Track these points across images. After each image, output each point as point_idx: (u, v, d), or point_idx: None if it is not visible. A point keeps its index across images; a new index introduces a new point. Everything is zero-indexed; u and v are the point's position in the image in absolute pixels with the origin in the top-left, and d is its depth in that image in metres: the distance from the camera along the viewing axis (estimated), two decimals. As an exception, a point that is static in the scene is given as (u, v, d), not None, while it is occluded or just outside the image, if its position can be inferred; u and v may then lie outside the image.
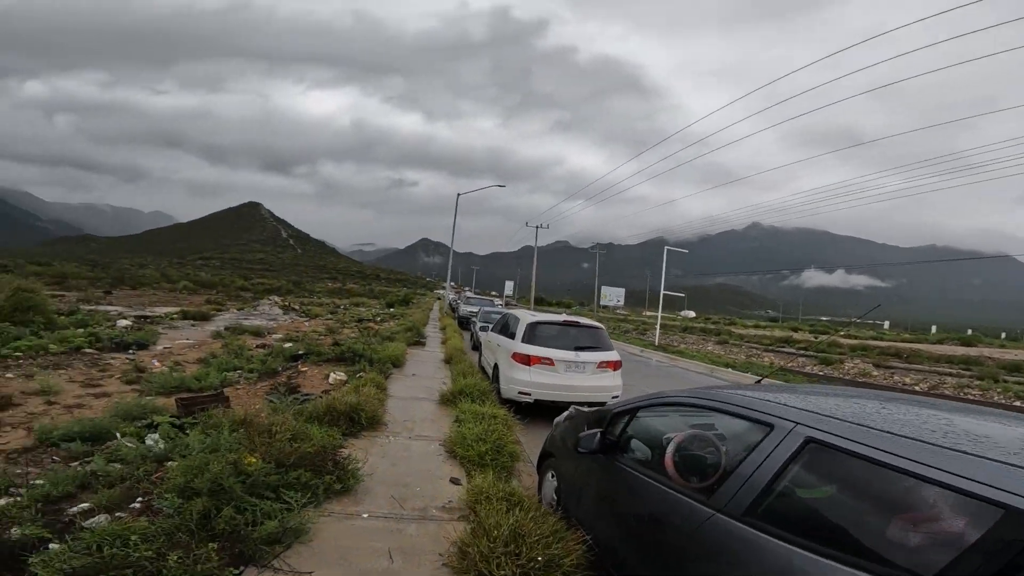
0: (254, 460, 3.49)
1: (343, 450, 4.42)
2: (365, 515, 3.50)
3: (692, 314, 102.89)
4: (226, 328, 14.66)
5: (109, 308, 20.90)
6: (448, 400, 7.05)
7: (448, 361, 10.78)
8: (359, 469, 4.00)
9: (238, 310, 23.88)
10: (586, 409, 4.02)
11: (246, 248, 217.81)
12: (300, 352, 9.60)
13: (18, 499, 3.28)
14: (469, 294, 51.77)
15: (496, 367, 8.22)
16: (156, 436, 4.90)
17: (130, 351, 10.53)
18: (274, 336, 14.27)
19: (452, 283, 35.24)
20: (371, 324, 20.48)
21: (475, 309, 22.19)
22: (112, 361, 9.56)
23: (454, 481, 4.37)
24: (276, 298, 26.38)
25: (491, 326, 10.75)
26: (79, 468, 4.01)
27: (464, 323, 23.49)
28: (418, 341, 14.29)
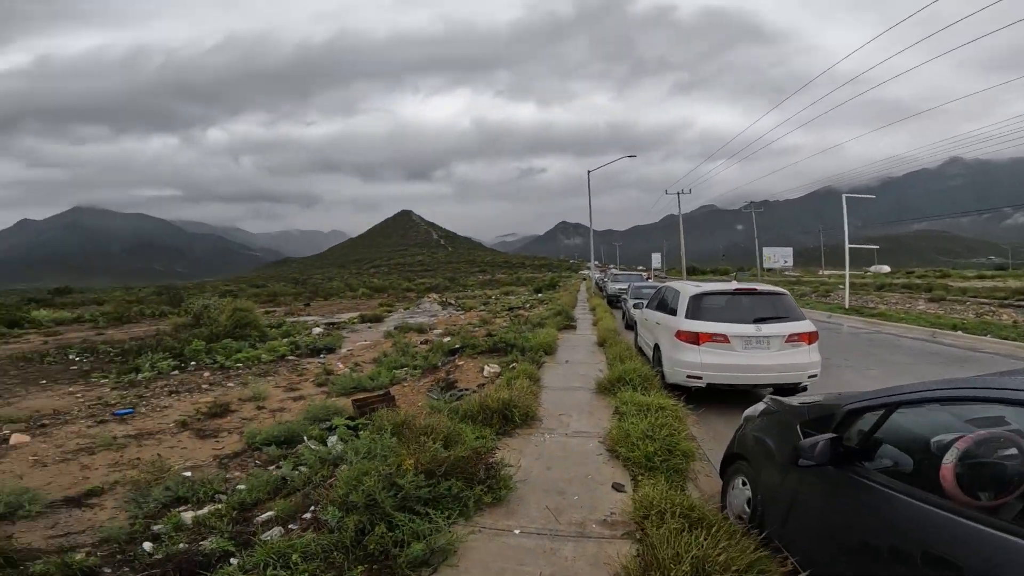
0: (410, 465, 3.34)
1: (496, 451, 4.14)
2: (517, 531, 3.14)
3: (886, 268, 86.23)
4: (395, 327, 16.06)
5: (307, 318, 24.61)
6: (605, 388, 6.46)
7: (602, 344, 10.17)
8: (512, 476, 3.64)
9: (404, 310, 26.37)
10: (791, 401, 3.09)
11: (406, 253, 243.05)
12: (457, 346, 9.88)
13: (219, 507, 3.57)
14: (615, 271, 50.19)
15: (657, 348, 7.36)
16: (335, 439, 5.22)
17: (321, 355, 12.00)
18: (435, 331, 15.18)
19: (595, 262, 34.34)
20: (521, 311, 20.79)
21: (624, 286, 21.16)
22: (308, 365, 10.96)
23: (617, 487, 3.79)
24: (434, 295, 28.47)
25: (645, 302, 9.88)
26: (273, 472, 4.35)
27: (613, 301, 22.59)
28: (569, 325, 13.93)
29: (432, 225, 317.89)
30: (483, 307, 25.75)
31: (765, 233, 59.83)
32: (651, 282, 18.19)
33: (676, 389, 6.24)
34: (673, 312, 6.85)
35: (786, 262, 75.65)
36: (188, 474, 4.51)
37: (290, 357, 11.87)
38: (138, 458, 5.20)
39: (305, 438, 5.34)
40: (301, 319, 23.62)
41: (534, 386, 6.50)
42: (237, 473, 4.52)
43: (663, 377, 6.71)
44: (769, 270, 66.60)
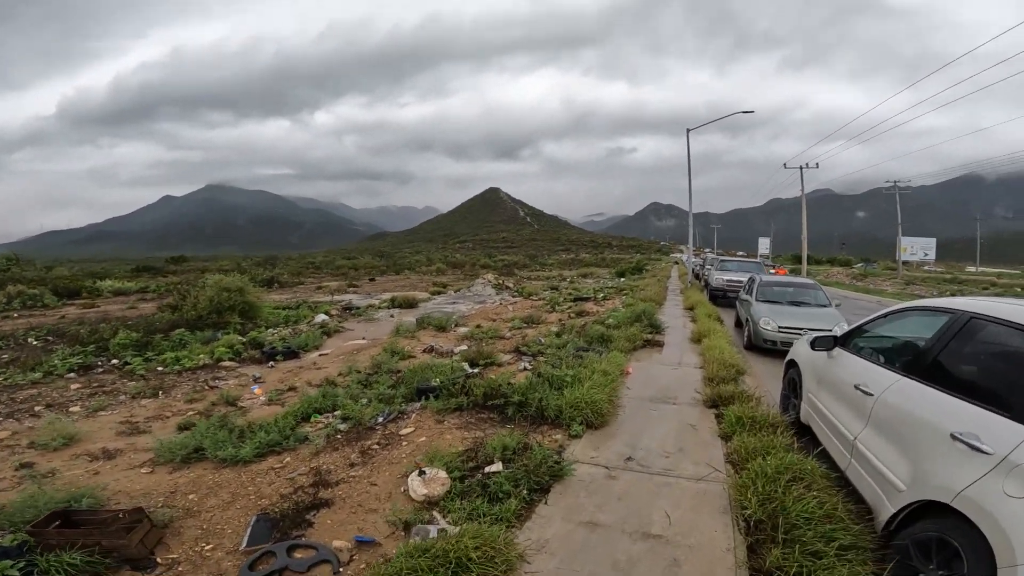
0: None
1: None
2: None
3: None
4: (418, 319, 12.04)
5: (346, 296, 21.56)
6: None
7: (715, 405, 5.18)
8: None
9: (454, 292, 22.46)
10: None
11: (492, 229, 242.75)
12: (433, 383, 5.41)
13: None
14: (713, 255, 42.65)
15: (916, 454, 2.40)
16: None
17: (270, 363, 8.18)
18: (459, 329, 10.90)
19: (692, 245, 28.03)
20: (590, 304, 15.88)
21: (737, 277, 15.44)
22: (232, 380, 7.17)
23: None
24: (490, 276, 24.21)
25: (833, 327, 5.73)
26: None
27: (718, 297, 16.83)
28: (652, 339, 8.92)
29: (519, 203, 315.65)
30: (549, 291, 21.09)
31: (892, 221, 48.58)
32: (795, 279, 11.28)
33: None
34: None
35: (927, 255, 62.28)
36: None
37: (226, 363, 8.15)
38: None
39: None
40: (337, 298, 20.53)
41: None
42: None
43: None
44: (905, 263, 54.51)
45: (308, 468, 3.89)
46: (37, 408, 6.11)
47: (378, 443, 4.29)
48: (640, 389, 5.90)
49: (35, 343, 10.66)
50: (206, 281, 13.23)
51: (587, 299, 17.40)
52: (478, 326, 11.36)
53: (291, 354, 8.63)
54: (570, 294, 19.36)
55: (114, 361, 8.53)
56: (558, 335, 8.97)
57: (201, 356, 8.39)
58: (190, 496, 3.58)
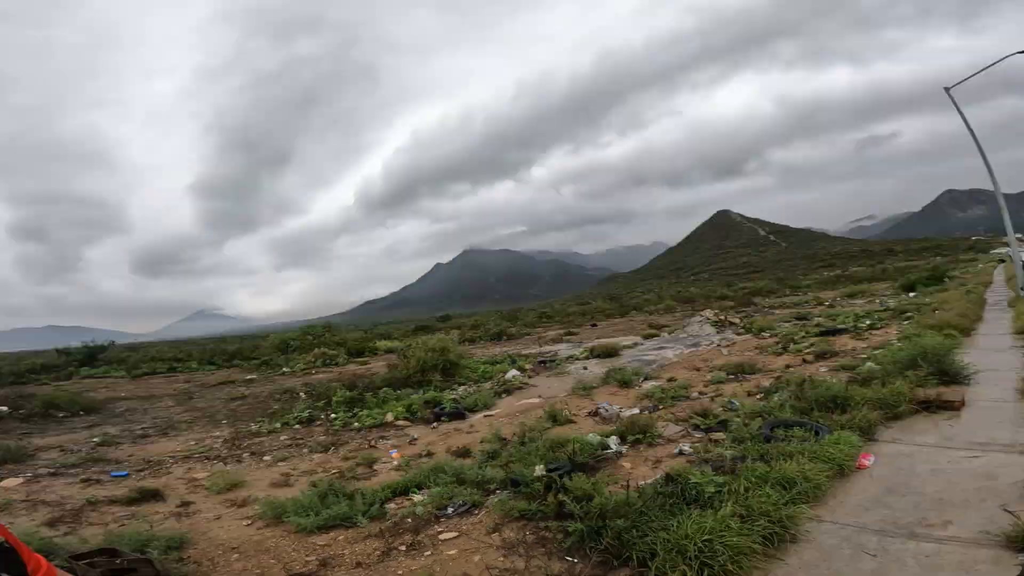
0: None
1: None
2: None
3: None
4: (607, 372, 10.71)
5: (557, 347, 21.46)
6: None
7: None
8: None
9: (668, 335, 19.96)
10: None
11: (729, 256, 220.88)
12: (467, 503, 4.12)
13: None
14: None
15: None
16: None
17: (433, 424, 8.02)
18: (646, 384, 9.10)
19: (1012, 235, 19.29)
20: (845, 338, 11.79)
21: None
22: (392, 440, 7.16)
23: None
24: (708, 313, 20.91)
25: None
26: None
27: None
28: (937, 398, 5.56)
29: (756, 221, 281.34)
30: (786, 325, 16.82)
31: None
32: None
33: None
34: None
35: None
36: None
37: (400, 422, 8.30)
38: None
39: None
40: (546, 349, 20.56)
41: None
42: None
43: None
44: None
45: (316, 557, 3.23)
46: (244, 455, 7.09)
47: (408, 544, 3.35)
48: (873, 503, 3.36)
49: (302, 396, 13.21)
50: (415, 342, 14.62)
51: (841, 331, 13.06)
52: (671, 379, 9.33)
53: (457, 415, 8.36)
54: (817, 325, 15.00)
55: (332, 416, 9.72)
56: (767, 394, 6.44)
57: (386, 414, 8.84)
58: (233, 555, 3.56)
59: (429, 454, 6.12)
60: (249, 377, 20.30)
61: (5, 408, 12.33)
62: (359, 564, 3.19)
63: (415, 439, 7.23)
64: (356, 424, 8.64)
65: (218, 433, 9.08)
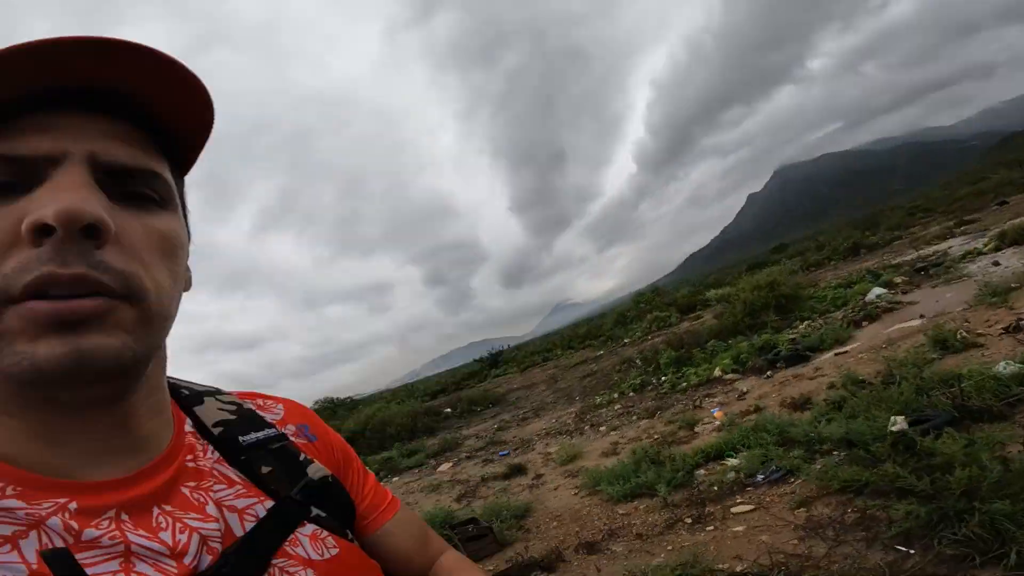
0: None
1: None
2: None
3: None
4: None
5: (945, 244, 15.52)
6: None
7: None
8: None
9: None
10: None
11: None
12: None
13: None
14: None
15: None
16: None
17: (767, 373, 6.80)
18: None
19: None
20: None
21: None
22: (719, 397, 6.44)
23: None
24: None
25: None
26: None
27: None
28: None
29: None
30: None
31: None
32: None
33: None
34: None
35: None
36: None
37: (728, 375, 7.39)
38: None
39: None
40: (928, 250, 15.06)
41: None
42: None
43: None
44: None
45: (610, 526, 3.26)
46: (586, 427, 7.76)
47: (694, 517, 2.84)
48: None
49: (637, 363, 13.73)
50: (739, 283, 13.10)
51: None
52: None
53: (797, 358, 6.91)
54: None
55: (662, 379, 9.66)
56: None
57: (713, 369, 8.15)
58: (553, 523, 3.91)
59: (757, 410, 5.24)
60: (598, 353, 22.56)
61: (448, 409, 17.49)
62: (640, 536, 2.97)
63: (744, 393, 6.35)
64: (683, 384, 8.31)
65: (571, 409, 10.33)
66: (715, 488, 3.41)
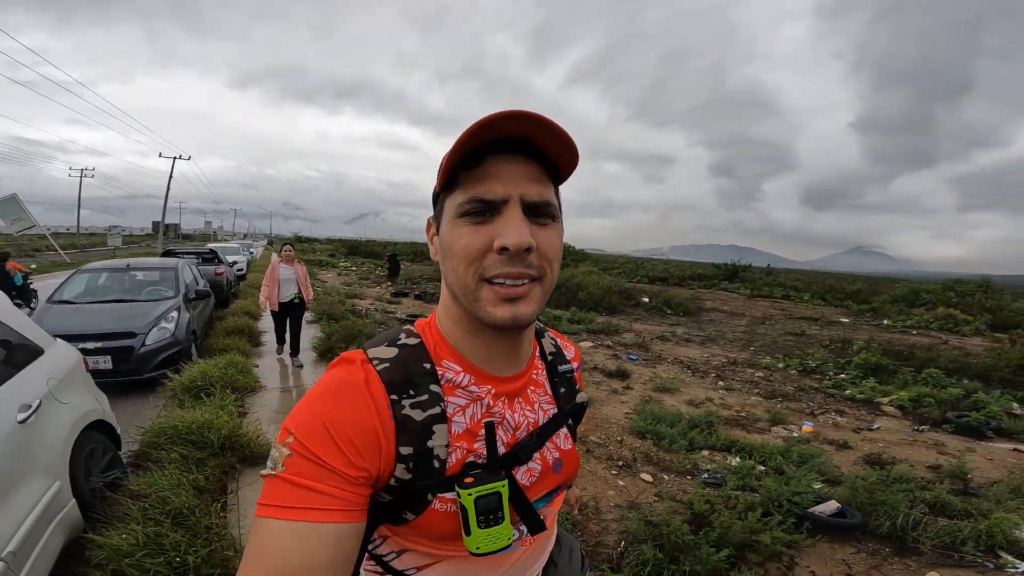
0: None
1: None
2: None
3: None
4: None
5: None
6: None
7: None
8: None
9: None
10: None
11: None
12: None
13: None
14: None
15: None
16: None
17: (939, 427, 5.84)
18: None
19: None
20: None
21: None
22: (842, 425, 6.04)
23: None
24: None
25: None
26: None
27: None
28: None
29: None
30: None
31: None
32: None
33: None
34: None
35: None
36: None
37: (886, 408, 6.47)
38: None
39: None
40: None
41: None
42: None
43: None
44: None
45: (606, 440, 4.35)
46: (712, 374, 8.13)
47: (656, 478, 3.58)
48: None
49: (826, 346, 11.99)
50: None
51: None
52: None
53: (971, 431, 5.72)
54: None
55: (838, 374, 8.79)
56: None
57: (881, 394, 7.19)
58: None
59: (845, 447, 5.09)
60: (841, 319, 19.50)
61: (646, 299, 18.47)
62: (615, 459, 4.01)
63: (872, 430, 5.86)
64: (847, 392, 7.63)
65: (733, 355, 10.35)
66: (688, 467, 4.15)
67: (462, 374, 0.75)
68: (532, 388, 0.83)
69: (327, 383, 0.70)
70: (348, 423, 0.66)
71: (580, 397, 0.94)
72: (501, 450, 0.76)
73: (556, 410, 0.86)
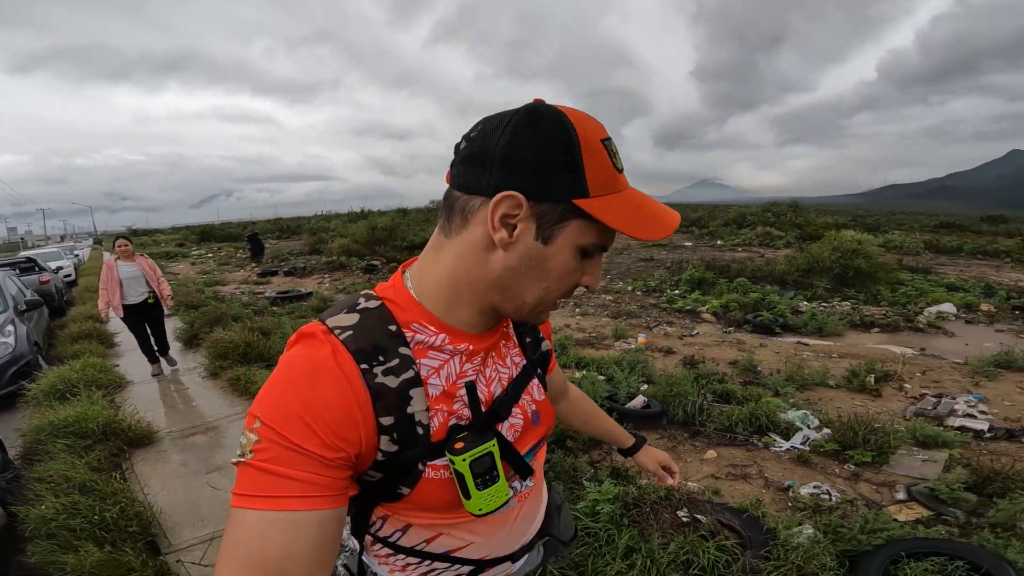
0: None
1: None
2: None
3: None
4: None
5: None
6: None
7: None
8: None
9: None
10: None
11: None
12: None
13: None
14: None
15: None
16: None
17: (740, 327, 7.14)
18: None
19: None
20: None
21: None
22: (679, 328, 7.11)
23: None
24: None
25: None
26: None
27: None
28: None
29: None
30: None
31: None
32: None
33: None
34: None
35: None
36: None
37: (707, 316, 7.76)
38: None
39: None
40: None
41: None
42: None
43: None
44: None
45: None
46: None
47: None
48: None
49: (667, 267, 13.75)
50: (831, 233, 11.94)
51: None
52: None
53: (764, 329, 7.12)
54: None
55: (674, 292, 10.11)
56: None
57: (704, 305, 8.51)
58: None
59: (670, 352, 6.02)
60: (685, 244, 21.92)
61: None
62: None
63: (694, 335, 6.97)
64: (678, 304, 8.73)
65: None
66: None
67: (437, 335, 0.71)
68: (504, 342, 0.83)
69: (290, 361, 0.64)
70: (320, 401, 0.61)
71: (544, 345, 0.94)
72: (482, 408, 0.75)
73: (525, 361, 0.86)
